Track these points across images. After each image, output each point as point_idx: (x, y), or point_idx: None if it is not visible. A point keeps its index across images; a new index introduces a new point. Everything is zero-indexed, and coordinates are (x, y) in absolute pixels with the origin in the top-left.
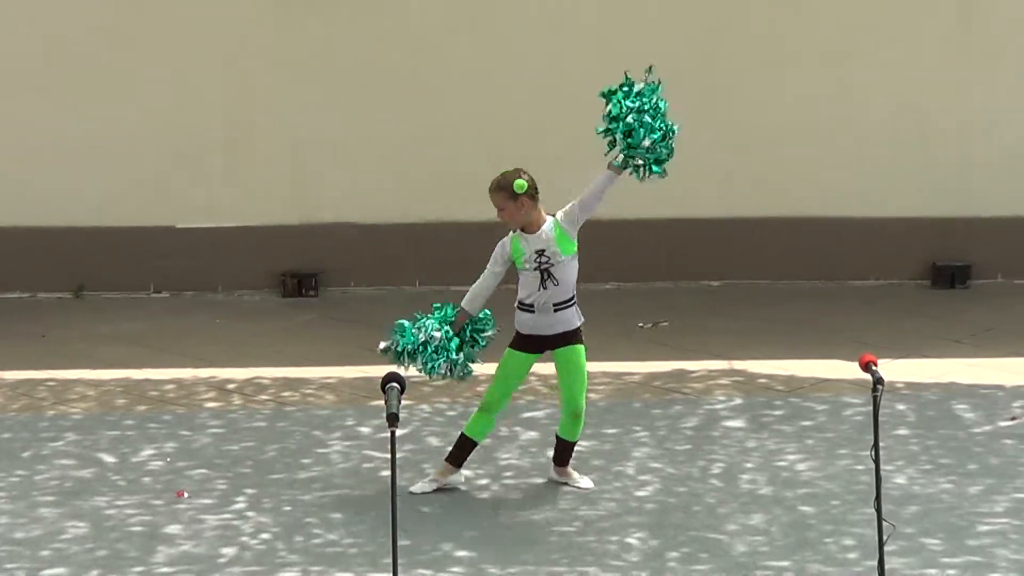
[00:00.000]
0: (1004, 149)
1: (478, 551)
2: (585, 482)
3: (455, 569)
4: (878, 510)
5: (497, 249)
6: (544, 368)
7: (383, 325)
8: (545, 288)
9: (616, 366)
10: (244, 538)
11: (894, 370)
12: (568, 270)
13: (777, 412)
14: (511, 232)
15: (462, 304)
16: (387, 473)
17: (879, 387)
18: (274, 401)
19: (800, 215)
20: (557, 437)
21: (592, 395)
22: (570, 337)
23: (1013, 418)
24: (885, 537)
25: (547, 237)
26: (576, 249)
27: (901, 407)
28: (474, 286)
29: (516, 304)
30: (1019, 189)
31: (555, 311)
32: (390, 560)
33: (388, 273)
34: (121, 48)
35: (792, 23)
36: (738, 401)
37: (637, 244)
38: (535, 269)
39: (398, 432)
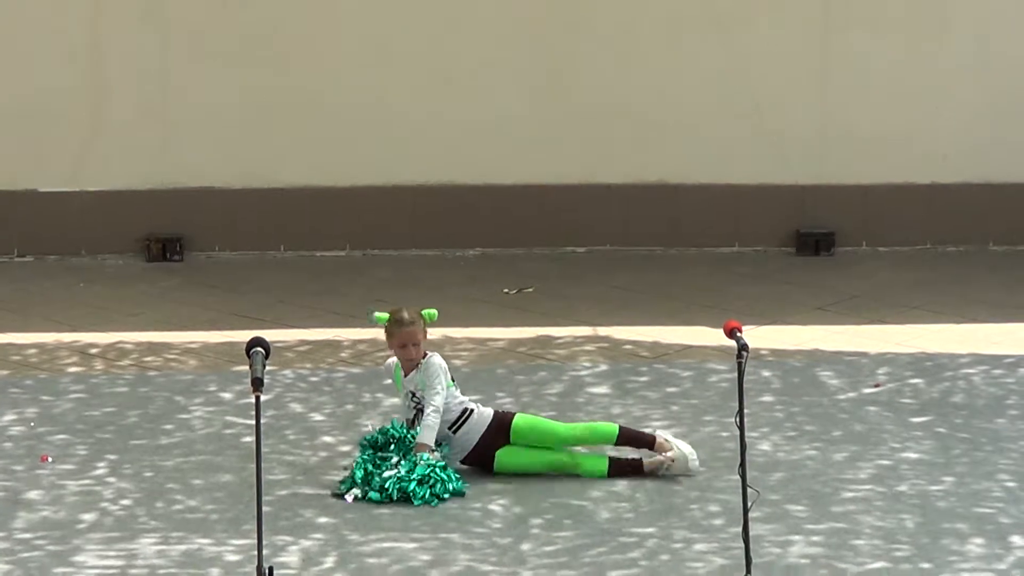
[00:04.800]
0: (867, 117)
1: (340, 518)
2: (690, 465)
3: (316, 536)
4: (743, 476)
5: (388, 367)
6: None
7: (247, 290)
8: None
9: (480, 332)
10: (105, 504)
11: (759, 337)
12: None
13: (642, 378)
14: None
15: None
16: (249, 439)
17: (744, 354)
18: (136, 366)
19: (664, 182)
20: (611, 458)
21: (456, 361)
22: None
23: (877, 385)
24: (750, 503)
25: (420, 378)
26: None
27: (766, 374)
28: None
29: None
30: (883, 157)
31: (454, 433)
32: (252, 526)
33: (253, 239)
34: None
35: None
36: (603, 367)
37: (502, 210)
38: (411, 408)
39: (261, 398)
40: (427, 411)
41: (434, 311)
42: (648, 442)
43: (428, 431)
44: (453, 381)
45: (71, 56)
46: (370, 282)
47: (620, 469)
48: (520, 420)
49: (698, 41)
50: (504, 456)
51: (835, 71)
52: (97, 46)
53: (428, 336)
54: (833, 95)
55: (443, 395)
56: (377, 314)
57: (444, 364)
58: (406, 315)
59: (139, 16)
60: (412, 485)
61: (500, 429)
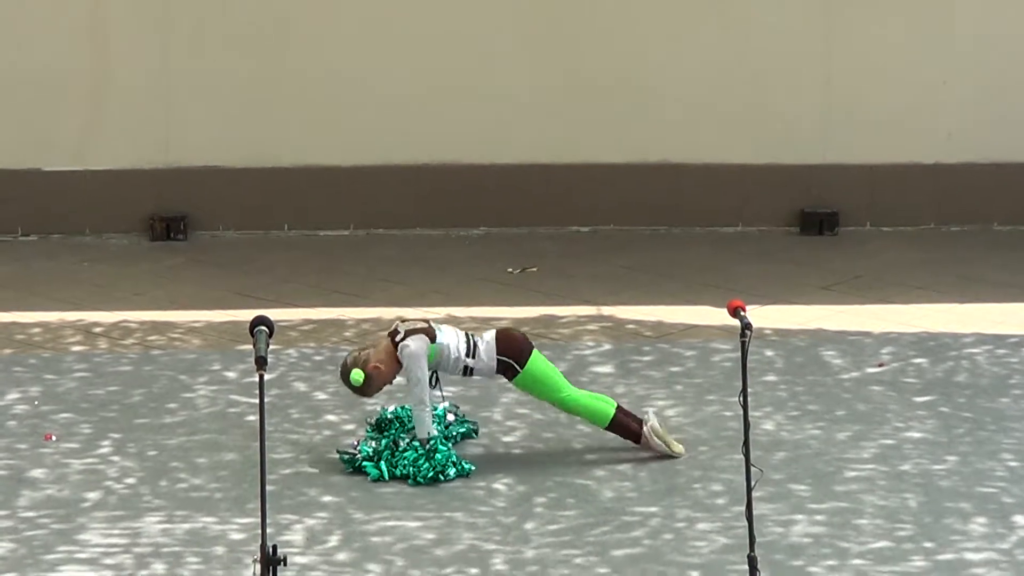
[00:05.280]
0: (872, 97)
1: (344, 496)
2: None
3: (321, 514)
4: (746, 456)
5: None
6: (412, 312)
7: (251, 269)
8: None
9: (484, 311)
10: (109, 482)
11: (762, 316)
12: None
13: (646, 358)
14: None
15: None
16: (253, 418)
17: (747, 333)
18: (140, 345)
19: (668, 161)
20: (617, 412)
21: None
22: (504, 374)
23: (880, 364)
24: (753, 483)
25: None
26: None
27: (769, 353)
28: None
29: None
30: (888, 136)
31: (471, 376)
32: (256, 505)
33: (257, 218)
34: None
35: None
36: (606, 347)
37: (506, 189)
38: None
39: (265, 376)
40: (412, 407)
41: (360, 376)
42: (635, 435)
43: (419, 426)
44: (434, 346)
45: (74, 35)
46: (374, 261)
47: (618, 427)
48: (522, 378)
49: (702, 21)
50: (519, 382)
51: (839, 50)
52: (100, 25)
53: (382, 362)
54: (838, 74)
55: (423, 385)
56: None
57: (417, 349)
58: (347, 382)
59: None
60: (422, 462)
61: (509, 350)
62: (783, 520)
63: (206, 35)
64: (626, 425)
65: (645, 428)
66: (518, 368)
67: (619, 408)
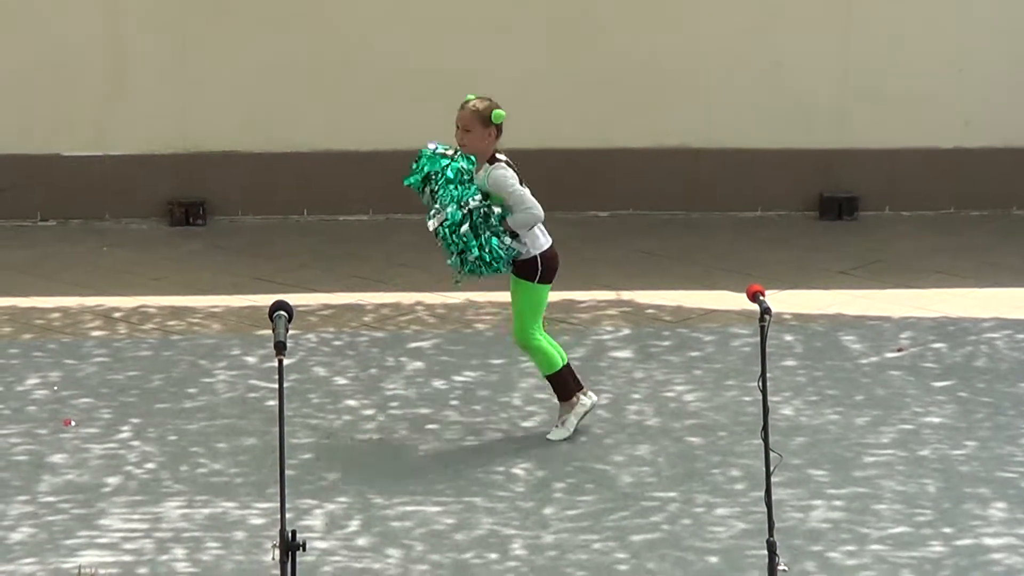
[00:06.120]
0: (891, 81)
1: (364, 481)
2: (555, 433)
3: (341, 499)
4: (765, 441)
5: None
6: (430, 297)
7: (270, 254)
8: None
9: (503, 296)
10: (129, 467)
11: (781, 301)
12: None
13: (665, 343)
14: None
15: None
16: (273, 403)
17: (766, 317)
18: (160, 330)
19: (686, 146)
20: (565, 368)
21: (479, 325)
22: (521, 268)
23: (899, 349)
24: (772, 468)
25: (481, 178)
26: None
27: (788, 338)
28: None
29: None
30: (907, 121)
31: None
32: (276, 490)
33: (276, 203)
34: None
35: None
36: (625, 331)
37: (525, 174)
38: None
39: (284, 361)
40: (518, 214)
41: (502, 112)
42: (567, 393)
43: (514, 220)
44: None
45: (93, 20)
46: (393, 247)
47: (557, 380)
48: (529, 288)
49: (721, 4)
50: (523, 288)
51: (859, 35)
52: (119, 10)
53: (495, 140)
54: (857, 60)
55: (528, 195)
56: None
57: (508, 173)
58: (471, 98)
59: None
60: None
61: (550, 259)
62: (802, 505)
63: (225, 20)
64: (565, 381)
65: (583, 398)
66: (537, 279)
67: (568, 366)
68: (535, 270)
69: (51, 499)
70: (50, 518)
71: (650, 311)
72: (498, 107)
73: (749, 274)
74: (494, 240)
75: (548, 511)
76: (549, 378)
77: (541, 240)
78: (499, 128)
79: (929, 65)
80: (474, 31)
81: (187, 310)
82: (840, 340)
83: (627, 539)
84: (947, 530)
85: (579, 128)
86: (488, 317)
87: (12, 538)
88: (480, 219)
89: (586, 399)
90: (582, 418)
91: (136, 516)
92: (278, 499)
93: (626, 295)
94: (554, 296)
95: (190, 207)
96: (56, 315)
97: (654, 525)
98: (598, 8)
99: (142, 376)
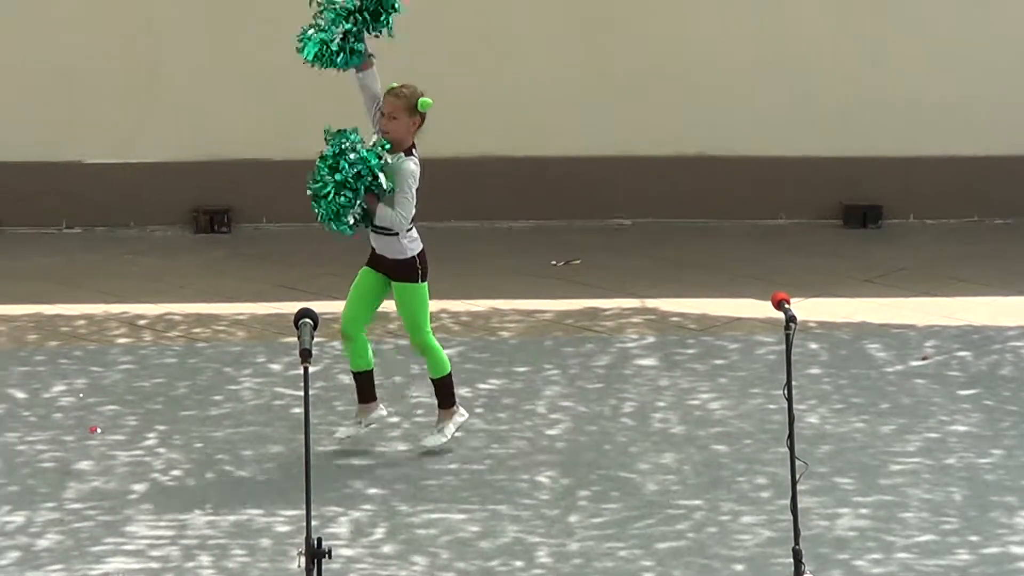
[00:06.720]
0: (914, 88)
1: (389, 488)
2: (432, 439)
3: (366, 507)
4: (791, 449)
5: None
6: (455, 305)
7: (294, 262)
8: None
9: (528, 304)
10: (155, 474)
11: (806, 309)
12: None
13: (689, 351)
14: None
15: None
16: (298, 410)
17: (792, 325)
18: (185, 337)
19: (710, 154)
20: (448, 375)
21: (503, 333)
22: (400, 271)
23: (924, 357)
24: (798, 476)
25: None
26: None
27: (813, 346)
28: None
29: None
30: (930, 128)
31: (373, 230)
32: (301, 497)
33: (300, 210)
34: None
35: None
36: (650, 339)
37: (551, 181)
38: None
39: (310, 369)
40: (393, 210)
41: (429, 100)
42: (449, 400)
43: (383, 210)
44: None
45: (118, 28)
46: None
47: (444, 386)
48: (413, 289)
49: (742, 11)
50: (407, 290)
51: (882, 43)
52: (145, 18)
53: (418, 128)
54: (880, 67)
55: (412, 203)
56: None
57: (416, 172)
58: (395, 86)
59: None
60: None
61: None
62: (828, 513)
63: (251, 27)
64: (451, 389)
65: (460, 411)
66: (419, 278)
67: (451, 374)
68: (415, 270)
69: (77, 506)
70: (77, 525)
71: (675, 319)
72: (424, 95)
73: (773, 282)
74: (348, 194)
75: (573, 519)
76: (437, 382)
77: (418, 241)
78: (423, 117)
79: (952, 72)
80: (494, 40)
81: (212, 317)
82: (865, 348)
83: (652, 547)
84: (974, 538)
85: (601, 136)
86: (512, 325)
87: (39, 545)
88: (351, 170)
89: (464, 412)
90: (455, 432)
91: (162, 523)
92: (304, 506)
93: (651, 303)
94: (578, 304)
95: (215, 214)
96: (82, 322)
97: (679, 533)
98: (617, 14)
99: (167, 383)
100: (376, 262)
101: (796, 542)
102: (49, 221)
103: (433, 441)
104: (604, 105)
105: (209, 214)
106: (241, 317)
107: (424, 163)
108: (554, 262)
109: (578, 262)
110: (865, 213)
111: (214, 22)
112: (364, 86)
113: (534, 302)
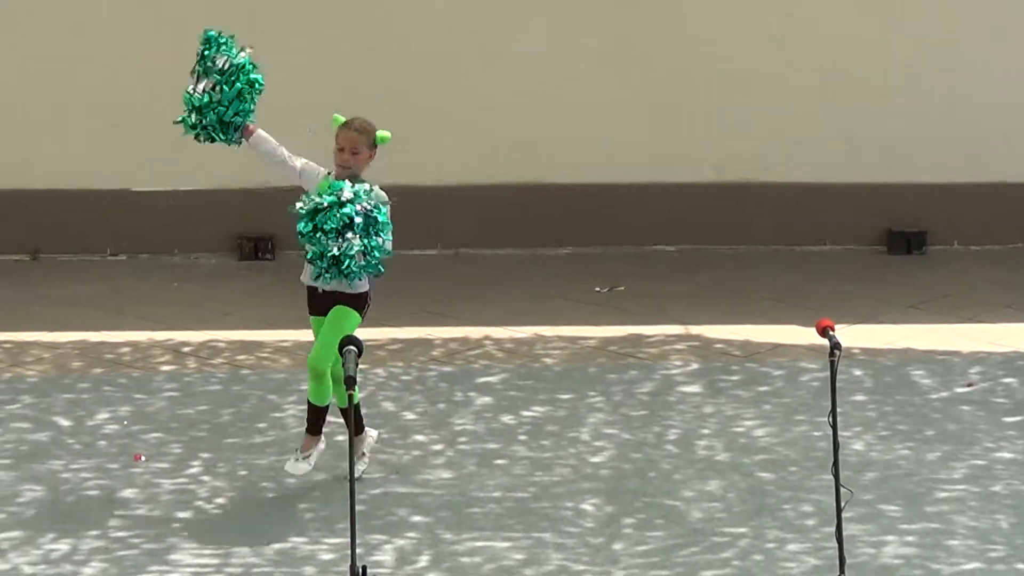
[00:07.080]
0: (959, 114)
1: (433, 516)
2: (296, 466)
3: (410, 535)
4: (836, 476)
5: (308, 165)
6: (498, 332)
7: None
8: None
9: (571, 330)
10: (199, 502)
11: (850, 336)
12: None
13: (734, 377)
14: (328, 172)
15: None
16: (342, 437)
17: (836, 352)
18: (229, 364)
19: (752, 181)
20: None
21: (547, 359)
22: (350, 300)
23: (970, 384)
24: (843, 503)
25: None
26: None
27: (858, 373)
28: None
29: None
30: (975, 154)
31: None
32: (346, 525)
33: None
34: (71, 12)
35: None
36: (694, 366)
37: (594, 209)
38: None
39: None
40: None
41: (387, 134)
42: (316, 431)
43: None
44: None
45: (163, 57)
46: (460, 281)
47: (317, 415)
48: (351, 315)
49: (786, 39)
50: (344, 315)
51: (927, 69)
52: (188, 47)
53: (373, 159)
54: (925, 94)
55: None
56: (336, 115)
57: (386, 199)
58: (356, 121)
59: (227, 15)
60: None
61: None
62: (874, 541)
63: (291, 56)
64: (320, 418)
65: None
66: (362, 314)
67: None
68: (364, 303)
69: (122, 534)
70: (121, 553)
71: (718, 345)
72: (381, 130)
73: (817, 309)
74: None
75: (618, 547)
76: (315, 408)
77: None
78: (376, 150)
79: (997, 97)
80: (539, 67)
81: (256, 344)
82: (910, 375)
83: (698, 575)
84: (1020, 566)
85: (644, 163)
86: (556, 352)
87: (84, 573)
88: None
89: (321, 445)
90: (307, 461)
91: (207, 551)
92: (348, 534)
93: (694, 329)
94: (622, 330)
95: (259, 241)
96: (126, 349)
97: (724, 561)
98: (659, 43)
99: (212, 411)
100: (319, 307)
101: (841, 570)
102: (94, 248)
103: (295, 468)
104: (645, 132)
105: (253, 241)
106: (285, 344)
107: (470, 190)
108: (598, 288)
109: (622, 288)
110: (909, 239)
111: (258, 51)
112: (261, 152)
113: (577, 329)
